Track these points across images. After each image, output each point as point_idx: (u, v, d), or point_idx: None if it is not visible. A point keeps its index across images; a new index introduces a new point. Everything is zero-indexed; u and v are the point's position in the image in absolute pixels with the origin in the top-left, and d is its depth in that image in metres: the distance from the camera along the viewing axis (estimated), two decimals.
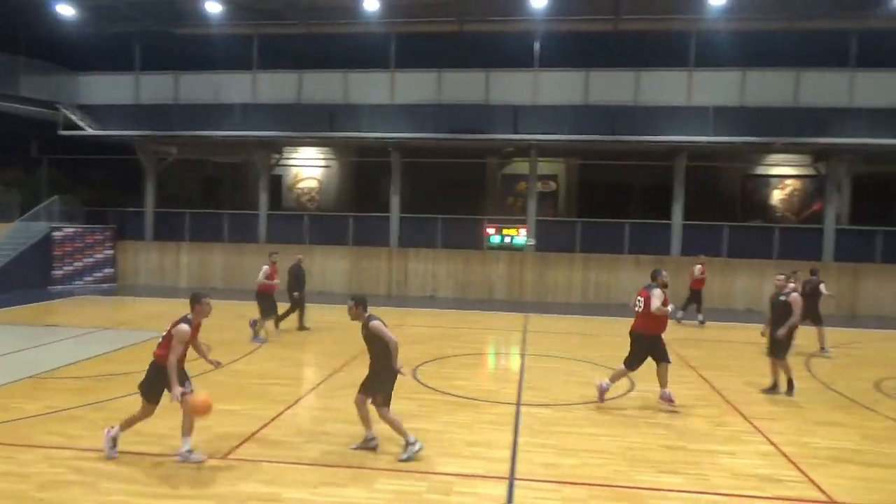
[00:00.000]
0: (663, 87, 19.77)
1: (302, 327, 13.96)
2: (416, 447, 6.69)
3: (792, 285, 9.88)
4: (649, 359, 8.93)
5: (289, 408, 8.45)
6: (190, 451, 6.40)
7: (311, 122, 21.10)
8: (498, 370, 11.99)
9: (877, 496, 6.28)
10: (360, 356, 10.12)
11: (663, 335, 9.00)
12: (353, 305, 6.78)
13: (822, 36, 19.74)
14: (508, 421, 8.15)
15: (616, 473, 6.56)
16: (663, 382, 9.00)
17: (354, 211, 23.29)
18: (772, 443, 7.67)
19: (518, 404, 8.95)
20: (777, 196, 24.81)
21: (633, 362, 8.95)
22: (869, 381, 10.70)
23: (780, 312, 9.63)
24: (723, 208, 23.43)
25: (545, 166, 23.97)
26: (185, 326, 6.31)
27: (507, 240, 21.35)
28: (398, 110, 20.70)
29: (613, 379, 9.12)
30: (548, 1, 18.71)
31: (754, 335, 15.34)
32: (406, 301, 19.88)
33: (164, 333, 6.41)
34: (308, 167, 26.44)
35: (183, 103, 21.86)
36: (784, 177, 24.65)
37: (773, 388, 9.84)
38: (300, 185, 26.69)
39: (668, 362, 9.02)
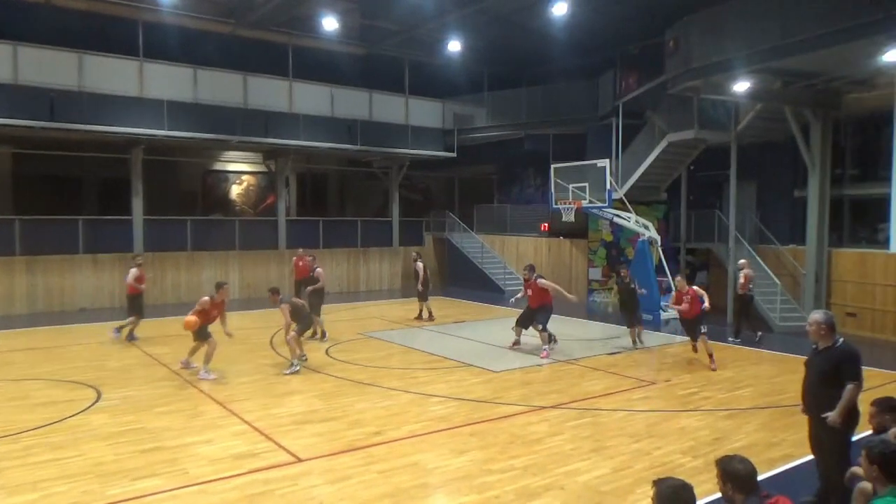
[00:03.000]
0: (112, 74, 18.34)
1: None
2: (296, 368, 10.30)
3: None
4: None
5: None
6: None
7: None
8: None
9: (333, 444, 7.31)
10: None
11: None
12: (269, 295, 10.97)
13: (266, 46, 21.52)
14: None
15: (85, 495, 5.88)
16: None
17: None
18: (245, 421, 8.10)
19: None
20: (235, 191, 26.28)
21: (526, 322, 12.23)
22: (321, 351, 12.30)
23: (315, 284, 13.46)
24: (184, 202, 23.51)
25: None
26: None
27: None
28: None
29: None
30: None
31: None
32: None
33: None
34: None
35: None
36: (241, 173, 26.28)
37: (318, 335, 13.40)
38: None
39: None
